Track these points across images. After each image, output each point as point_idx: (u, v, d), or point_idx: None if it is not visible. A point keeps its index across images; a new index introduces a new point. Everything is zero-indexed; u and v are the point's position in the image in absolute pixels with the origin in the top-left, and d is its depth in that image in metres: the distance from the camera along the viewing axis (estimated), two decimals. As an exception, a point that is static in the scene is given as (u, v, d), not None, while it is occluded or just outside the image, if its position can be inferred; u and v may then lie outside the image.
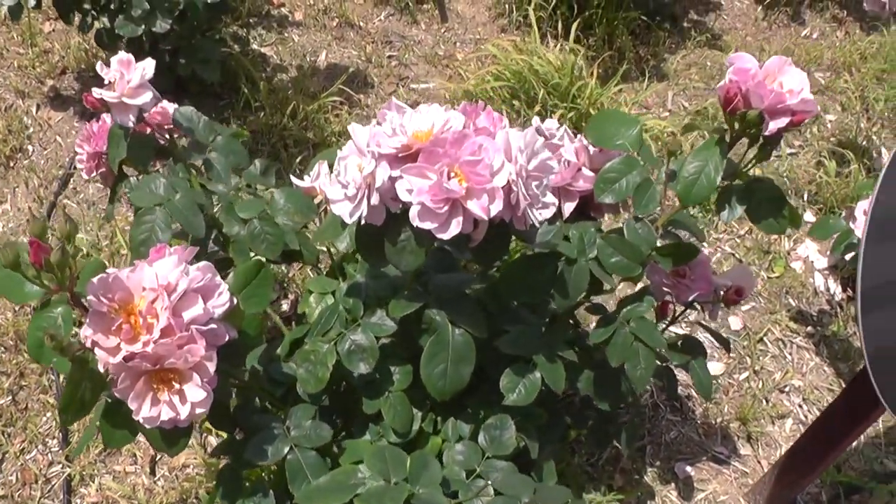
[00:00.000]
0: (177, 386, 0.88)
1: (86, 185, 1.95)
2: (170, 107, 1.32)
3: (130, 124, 1.10)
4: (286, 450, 1.02)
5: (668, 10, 2.54)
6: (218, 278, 0.92)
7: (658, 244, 1.07)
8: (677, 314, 1.29)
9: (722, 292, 1.24)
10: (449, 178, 0.84)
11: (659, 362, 1.27)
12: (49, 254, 0.80)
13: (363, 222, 0.89)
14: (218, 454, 1.16)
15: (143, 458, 1.48)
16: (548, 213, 0.89)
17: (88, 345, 0.85)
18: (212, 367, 0.88)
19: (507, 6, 2.49)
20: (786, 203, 1.00)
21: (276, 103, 2.11)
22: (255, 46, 2.36)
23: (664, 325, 1.28)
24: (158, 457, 1.49)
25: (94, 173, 1.30)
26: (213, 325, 0.89)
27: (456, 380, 0.99)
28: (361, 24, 2.48)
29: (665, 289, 1.22)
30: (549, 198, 0.91)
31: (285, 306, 1.77)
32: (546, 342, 1.10)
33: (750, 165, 1.00)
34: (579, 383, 1.20)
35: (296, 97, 2.12)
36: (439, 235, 0.85)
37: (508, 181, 0.85)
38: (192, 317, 0.87)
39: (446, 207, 0.83)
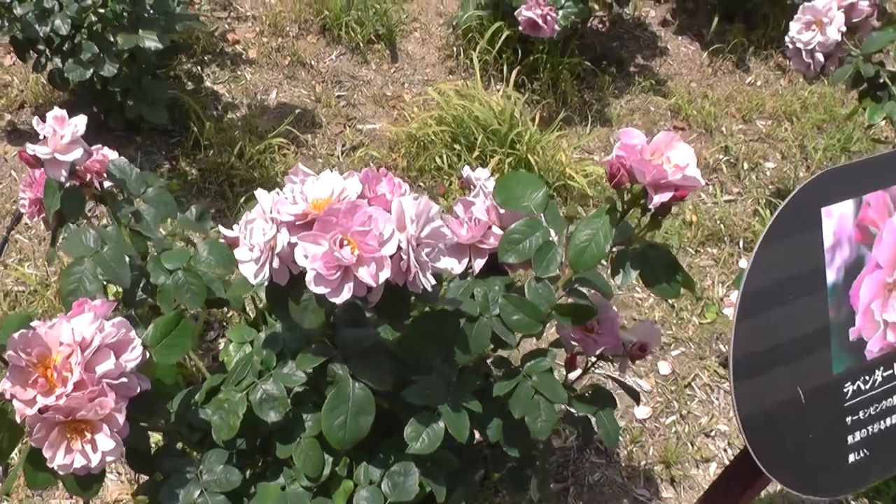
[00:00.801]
0: (88, 436, 0.93)
1: (37, 221, 1.99)
2: (111, 154, 1.38)
3: (62, 179, 1.15)
4: (196, 494, 1.06)
5: (614, 55, 2.64)
6: (132, 333, 0.97)
7: (567, 300, 1.13)
8: (588, 366, 1.36)
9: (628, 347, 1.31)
10: (341, 247, 0.90)
11: (573, 411, 1.34)
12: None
13: (265, 283, 0.96)
14: (139, 494, 1.20)
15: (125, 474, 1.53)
16: (431, 280, 0.95)
17: (7, 397, 0.91)
18: (121, 418, 0.93)
19: (455, 48, 2.58)
20: (679, 269, 1.07)
21: (223, 142, 2.17)
22: (208, 83, 2.42)
23: (575, 377, 1.35)
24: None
25: (36, 218, 1.36)
26: (124, 379, 0.94)
27: (355, 431, 1.04)
28: (313, 63, 2.55)
29: (573, 342, 1.29)
30: (444, 262, 0.97)
31: (222, 344, 1.82)
32: (452, 393, 1.16)
33: (641, 233, 1.07)
34: (489, 430, 1.25)
35: (243, 137, 2.18)
36: (332, 299, 0.91)
37: (399, 249, 0.91)
38: (103, 371, 0.92)
39: (338, 274, 0.89)
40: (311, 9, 2.66)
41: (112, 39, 1.66)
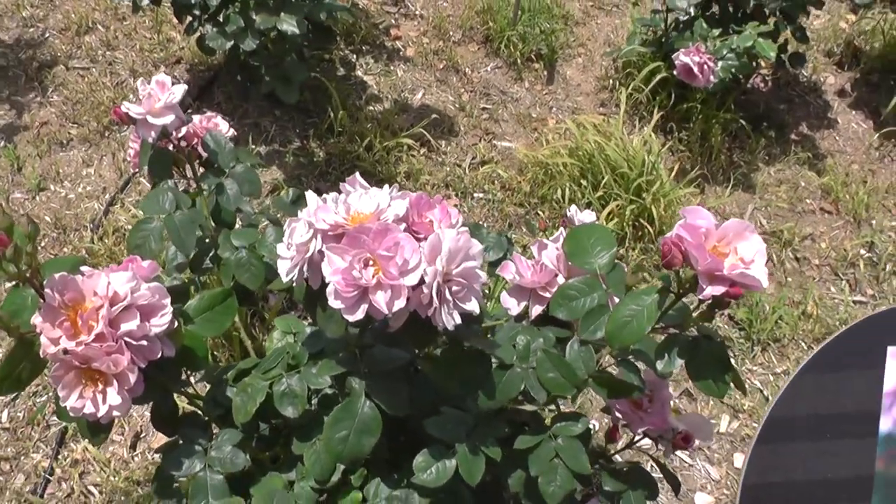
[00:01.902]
0: (101, 387, 0.96)
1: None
2: (222, 124, 1.44)
3: (150, 140, 1.21)
4: (199, 467, 1.09)
5: (776, 118, 2.47)
6: (166, 300, 1.00)
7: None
8: (632, 441, 1.28)
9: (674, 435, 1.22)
10: (366, 266, 0.88)
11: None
12: (6, 246, 0.91)
13: (294, 284, 0.96)
14: (158, 451, 1.24)
15: (129, 432, 1.61)
16: (456, 319, 0.92)
17: (37, 331, 0.96)
18: (132, 377, 0.96)
19: (611, 81, 2.50)
20: (730, 368, 0.98)
21: (356, 131, 2.21)
22: (359, 73, 2.48)
23: (614, 450, 1.27)
24: (142, 434, 1.61)
25: (139, 170, 1.44)
26: (145, 342, 0.97)
27: (356, 448, 1.02)
28: (467, 70, 2.55)
29: (618, 413, 1.22)
30: (472, 304, 0.94)
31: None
32: (474, 433, 1.12)
33: (695, 321, 0.99)
34: (510, 480, 1.21)
35: (376, 130, 2.22)
36: (346, 316, 0.89)
37: (422, 281, 0.89)
38: (126, 330, 0.95)
39: (356, 292, 0.88)
40: (478, 17, 2.67)
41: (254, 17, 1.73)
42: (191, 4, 1.83)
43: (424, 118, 2.32)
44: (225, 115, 2.26)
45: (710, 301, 0.93)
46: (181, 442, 1.12)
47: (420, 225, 0.96)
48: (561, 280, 1.18)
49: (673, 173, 2.12)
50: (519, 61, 2.55)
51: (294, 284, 0.97)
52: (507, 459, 1.17)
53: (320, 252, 0.92)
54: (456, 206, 2.18)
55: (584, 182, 2.08)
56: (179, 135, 1.36)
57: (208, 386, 1.22)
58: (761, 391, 1.86)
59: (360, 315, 0.89)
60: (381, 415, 1.07)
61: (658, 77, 2.25)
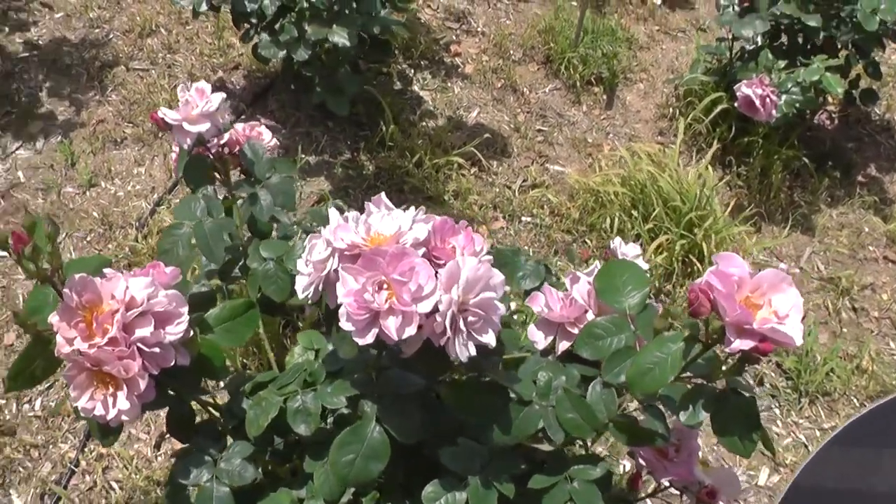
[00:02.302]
0: (111, 390, 0.96)
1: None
2: (266, 133, 1.45)
3: (185, 147, 1.21)
4: (206, 477, 1.07)
5: (843, 157, 2.37)
6: (183, 309, 0.99)
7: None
8: (656, 490, 1.22)
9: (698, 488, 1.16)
10: (380, 289, 0.86)
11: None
12: (26, 244, 0.91)
13: (310, 301, 0.94)
14: (174, 456, 1.24)
15: (154, 431, 1.61)
16: (470, 350, 0.89)
17: (54, 329, 0.96)
18: (143, 383, 0.95)
19: (672, 109, 2.44)
20: (759, 425, 0.93)
21: (406, 147, 2.20)
22: (415, 87, 2.47)
23: (636, 497, 1.22)
24: (168, 434, 1.61)
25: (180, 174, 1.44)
26: (158, 349, 0.96)
27: (362, 473, 1.00)
28: (525, 90, 2.52)
29: (641, 461, 1.17)
30: (488, 337, 0.91)
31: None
32: (488, 467, 1.09)
33: (725, 373, 0.94)
34: (525, 520, 1.17)
35: (427, 146, 2.20)
36: (357, 339, 0.87)
37: (436, 309, 0.86)
38: (139, 336, 0.94)
39: (367, 316, 0.86)
40: (540, 37, 2.64)
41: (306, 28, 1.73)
42: (248, 13, 1.85)
43: (478, 137, 2.30)
44: (278, 122, 2.28)
45: (741, 355, 0.88)
46: (192, 451, 1.11)
47: (441, 251, 0.93)
48: (591, 317, 1.13)
49: (728, 209, 2.04)
50: (578, 84, 2.51)
51: (309, 302, 0.96)
52: (522, 498, 1.13)
53: (336, 271, 0.90)
54: (502, 228, 2.15)
55: (634, 213, 2.02)
56: (222, 141, 1.37)
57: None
58: (806, 446, 1.77)
59: (370, 339, 0.87)
60: (391, 441, 1.04)
61: (719, 108, 2.18)
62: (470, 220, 2.10)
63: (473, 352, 0.90)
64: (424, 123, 2.34)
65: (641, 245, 1.97)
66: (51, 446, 1.55)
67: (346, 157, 2.22)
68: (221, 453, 1.11)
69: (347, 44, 1.73)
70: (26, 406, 1.60)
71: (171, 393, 1.08)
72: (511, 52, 2.63)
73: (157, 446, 1.60)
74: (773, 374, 1.86)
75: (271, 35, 1.83)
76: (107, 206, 1.96)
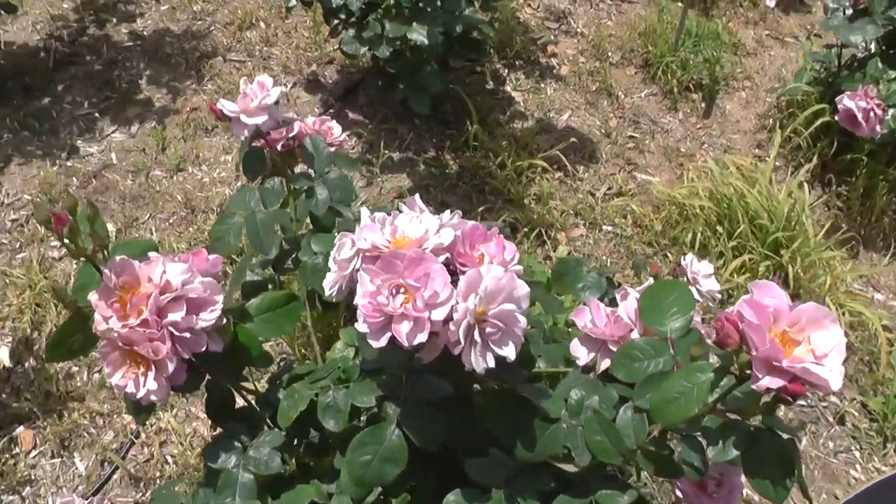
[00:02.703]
0: (142, 370, 0.99)
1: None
2: (335, 128, 1.45)
3: (242, 137, 1.23)
4: (233, 462, 1.09)
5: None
6: (218, 297, 1.01)
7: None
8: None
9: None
10: (396, 294, 0.84)
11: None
12: (65, 224, 0.94)
13: (334, 299, 0.94)
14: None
15: (214, 412, 1.65)
16: (488, 362, 0.86)
17: (93, 306, 1.00)
18: (171, 366, 0.96)
19: (772, 121, 2.30)
20: (794, 470, 0.86)
21: (491, 148, 2.17)
22: (507, 87, 2.44)
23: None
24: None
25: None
26: (188, 334, 0.98)
27: (378, 475, 0.98)
28: (620, 95, 2.44)
29: (679, 493, 1.10)
30: (508, 350, 0.87)
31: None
32: (515, 482, 1.05)
33: (754, 413, 0.87)
34: (551, 541, 1.13)
35: (511, 148, 2.17)
36: (371, 342, 0.86)
37: (450, 318, 0.83)
38: (171, 320, 0.96)
39: (381, 318, 0.84)
40: (640, 39, 2.55)
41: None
42: (335, 8, 1.87)
43: (565, 141, 2.24)
44: (365, 118, 2.30)
45: (775, 395, 0.81)
46: (224, 437, 1.13)
47: (467, 258, 0.91)
48: (635, 336, 1.08)
49: (823, 231, 1.92)
50: (675, 90, 2.41)
51: (334, 300, 0.95)
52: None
53: (355, 271, 0.89)
54: (582, 236, 2.09)
55: (720, 228, 1.93)
56: (291, 134, 1.38)
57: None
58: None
59: (383, 343, 0.85)
60: (410, 446, 1.03)
61: (820, 121, 2.04)
62: (549, 226, 2.06)
63: (492, 364, 0.87)
64: (513, 125, 2.31)
65: (724, 264, 1.88)
66: (115, 416, 1.62)
67: (430, 154, 2.22)
68: (252, 441, 1.13)
69: (426, 42, 1.72)
70: (96, 375, 1.68)
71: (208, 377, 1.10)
72: (609, 54, 2.56)
73: (214, 427, 1.64)
74: (856, 414, 1.73)
75: (357, 31, 1.84)
76: (191, 191, 2.03)
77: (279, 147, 1.36)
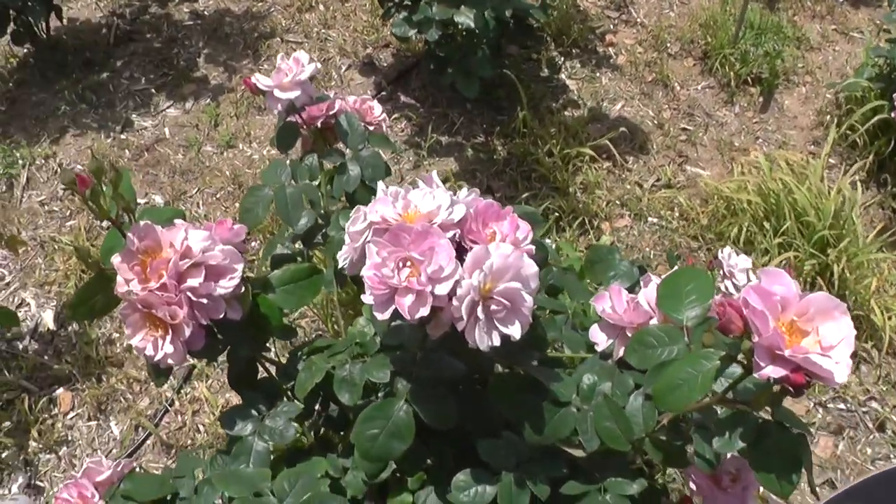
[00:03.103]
0: (160, 333, 1.01)
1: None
2: (376, 108, 1.46)
3: (276, 111, 1.24)
4: (248, 430, 1.11)
5: None
6: (238, 266, 1.03)
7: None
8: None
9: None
10: (402, 267, 0.84)
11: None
12: (88, 186, 0.97)
13: (346, 272, 0.94)
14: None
15: (248, 384, 1.69)
16: (493, 340, 0.85)
17: (115, 269, 1.03)
18: (188, 330, 0.98)
19: (830, 117, 2.22)
20: (801, 465, 0.84)
21: (540, 135, 2.15)
22: (563, 75, 2.41)
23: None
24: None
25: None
26: (205, 300, 1.00)
27: (384, 450, 0.99)
28: (676, 86, 2.39)
29: (693, 486, 1.08)
30: (514, 328, 0.86)
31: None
32: (526, 466, 1.05)
33: (759, 408, 0.85)
34: (562, 528, 1.12)
35: (558, 136, 2.14)
36: (376, 314, 0.86)
37: (453, 293, 0.83)
38: (189, 285, 0.99)
39: (386, 291, 0.84)
40: (701, 31, 2.49)
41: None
42: (389, -9, 1.88)
43: (616, 130, 2.21)
44: (417, 101, 2.31)
45: (782, 385, 0.79)
46: (242, 404, 1.15)
47: (477, 234, 0.90)
48: (654, 323, 1.06)
49: (875, 232, 1.84)
50: (733, 83, 2.35)
51: (346, 273, 0.96)
52: (555, 502, 1.08)
53: (366, 243, 0.89)
54: (627, 227, 2.06)
55: (766, 224, 1.87)
56: (331, 112, 1.39)
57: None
58: None
59: (386, 315, 0.86)
60: (423, 424, 1.03)
61: (877, 118, 1.96)
62: (593, 216, 2.03)
63: (497, 342, 0.86)
64: (564, 113, 2.28)
65: (769, 261, 1.82)
66: (151, 383, 1.66)
67: (479, 140, 2.21)
68: (270, 411, 1.14)
69: (472, 25, 1.71)
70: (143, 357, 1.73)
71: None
72: (668, 45, 2.51)
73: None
74: (898, 420, 1.67)
75: (408, 14, 1.85)
76: (240, 167, 2.07)
77: (319, 124, 1.38)
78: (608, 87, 2.40)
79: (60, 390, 1.64)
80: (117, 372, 1.67)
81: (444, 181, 2.12)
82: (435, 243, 0.84)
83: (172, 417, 1.63)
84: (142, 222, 0.99)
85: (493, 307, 0.85)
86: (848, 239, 1.74)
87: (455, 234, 0.89)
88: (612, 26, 2.59)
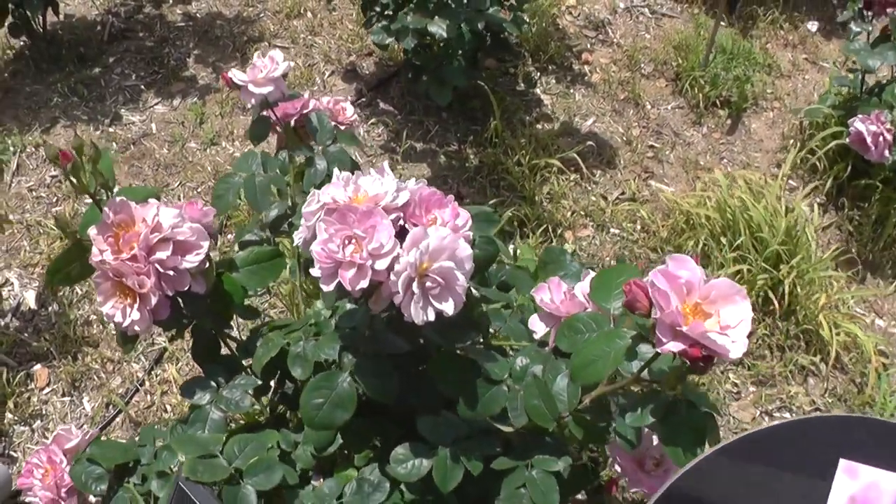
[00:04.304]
0: (129, 301, 1.09)
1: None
2: (348, 109, 1.53)
3: (248, 106, 1.33)
4: (206, 399, 1.18)
5: None
6: (204, 243, 1.10)
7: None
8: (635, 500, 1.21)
9: None
10: (347, 244, 0.92)
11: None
12: (69, 161, 1.05)
13: (301, 250, 1.02)
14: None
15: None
16: (427, 315, 0.93)
17: (91, 240, 1.10)
18: (154, 299, 1.06)
19: (793, 141, 2.32)
20: (704, 442, 0.92)
21: (511, 146, 2.24)
22: (538, 90, 2.50)
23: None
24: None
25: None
26: (172, 272, 1.08)
27: (327, 419, 1.06)
28: (647, 105, 2.49)
29: (619, 467, 1.16)
30: (448, 305, 0.94)
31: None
32: (464, 443, 1.12)
33: (670, 387, 0.93)
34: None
35: (528, 147, 2.23)
36: (322, 286, 0.94)
37: (391, 269, 0.91)
38: (157, 258, 1.06)
39: (331, 265, 0.92)
40: (674, 53, 2.59)
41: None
42: (372, 1, 1.97)
43: (585, 144, 2.30)
44: (395, 108, 2.39)
45: (688, 362, 0.87)
46: (203, 376, 1.23)
47: (419, 218, 0.98)
48: (587, 314, 1.14)
49: (831, 252, 1.93)
50: (702, 104, 2.45)
51: (301, 250, 1.03)
52: (487, 477, 1.15)
53: (318, 222, 0.97)
54: (589, 236, 2.15)
55: (723, 239, 1.96)
56: (306, 110, 1.47)
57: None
58: None
59: (331, 287, 0.93)
60: (367, 398, 1.10)
61: (834, 143, 2.06)
62: (557, 224, 2.12)
63: (432, 317, 0.94)
64: (537, 126, 2.37)
65: (723, 273, 1.91)
66: (124, 363, 1.73)
67: (453, 147, 2.30)
68: (228, 383, 1.22)
69: (444, 35, 1.80)
70: (112, 325, 1.80)
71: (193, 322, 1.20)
72: (642, 65, 2.61)
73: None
74: (838, 427, 1.74)
75: (388, 23, 1.94)
76: (221, 164, 2.15)
77: (293, 122, 1.46)
78: (581, 103, 2.49)
79: (38, 366, 1.71)
80: (92, 352, 1.74)
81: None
82: (377, 222, 0.92)
83: (142, 397, 1.70)
84: (118, 198, 1.07)
85: (429, 284, 0.93)
86: (800, 256, 1.82)
87: (398, 218, 0.97)
88: (589, 45, 2.69)
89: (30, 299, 1.81)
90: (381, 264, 0.91)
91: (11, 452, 1.59)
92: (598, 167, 2.30)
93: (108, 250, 1.06)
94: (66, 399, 1.68)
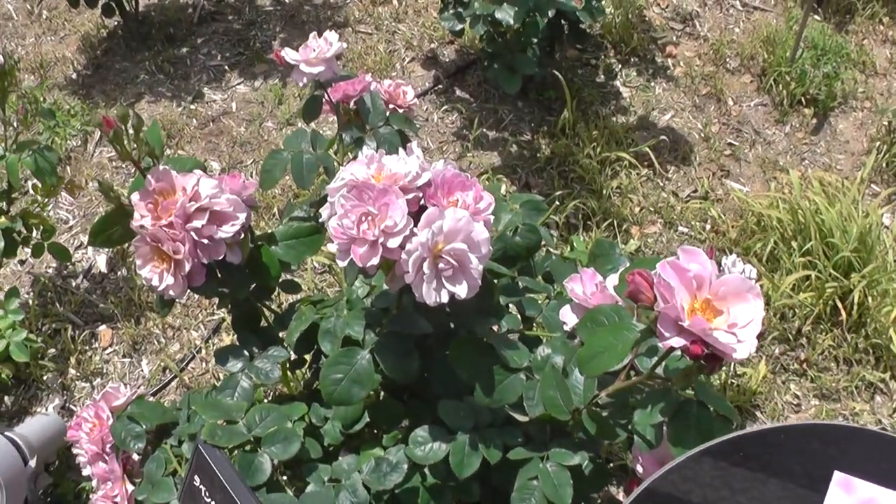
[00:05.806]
0: (165, 266, 1.13)
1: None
2: (409, 92, 1.54)
3: (300, 84, 1.35)
4: (237, 367, 1.21)
5: None
6: (241, 213, 1.14)
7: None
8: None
9: None
10: (364, 221, 0.93)
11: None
12: (112, 128, 1.10)
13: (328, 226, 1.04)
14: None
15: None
16: (440, 297, 0.93)
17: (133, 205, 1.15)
18: (188, 266, 1.10)
19: (879, 144, 2.19)
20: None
21: (585, 137, 2.20)
22: (617, 82, 2.45)
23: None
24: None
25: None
26: (206, 241, 1.11)
27: (345, 395, 1.07)
28: (729, 101, 2.40)
29: (640, 467, 1.13)
30: (461, 287, 0.94)
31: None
32: (484, 431, 1.12)
33: (680, 385, 0.90)
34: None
35: (602, 139, 2.19)
36: (338, 261, 0.95)
37: (402, 247, 0.91)
38: (193, 226, 1.10)
39: (346, 240, 0.93)
40: (762, 48, 2.48)
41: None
42: (449, -12, 1.97)
43: (658, 139, 2.24)
44: (471, 96, 2.39)
45: (694, 360, 0.84)
46: (237, 344, 1.26)
47: (438, 200, 0.98)
48: (611, 305, 1.11)
49: (913, 260, 1.82)
50: (786, 102, 2.34)
51: (326, 224, 1.05)
52: (505, 467, 1.14)
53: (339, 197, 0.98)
54: (656, 233, 2.09)
55: (794, 243, 1.87)
56: (366, 92, 1.49)
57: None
58: None
59: (345, 263, 0.94)
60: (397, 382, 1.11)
61: (921, 147, 1.94)
62: (623, 219, 2.07)
63: (444, 299, 0.94)
64: (613, 118, 2.32)
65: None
66: (184, 331, 1.80)
67: (525, 137, 2.28)
68: (260, 353, 1.25)
69: (511, 22, 1.78)
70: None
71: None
72: (727, 60, 2.51)
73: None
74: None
75: (461, 9, 1.94)
76: (292, 143, 2.20)
77: (352, 104, 1.48)
78: (661, 97, 2.43)
79: (103, 327, 1.81)
80: (155, 317, 1.82)
81: (483, 174, 2.21)
82: (391, 201, 0.92)
83: (197, 363, 1.76)
84: (161, 167, 1.11)
85: (442, 265, 0.93)
86: (874, 265, 1.72)
87: (418, 197, 0.97)
88: (674, 38, 2.61)
89: (101, 263, 1.91)
90: (394, 242, 0.91)
91: (72, 406, 1.68)
92: (671, 163, 2.23)
93: (147, 216, 1.11)
94: (126, 360, 1.76)
